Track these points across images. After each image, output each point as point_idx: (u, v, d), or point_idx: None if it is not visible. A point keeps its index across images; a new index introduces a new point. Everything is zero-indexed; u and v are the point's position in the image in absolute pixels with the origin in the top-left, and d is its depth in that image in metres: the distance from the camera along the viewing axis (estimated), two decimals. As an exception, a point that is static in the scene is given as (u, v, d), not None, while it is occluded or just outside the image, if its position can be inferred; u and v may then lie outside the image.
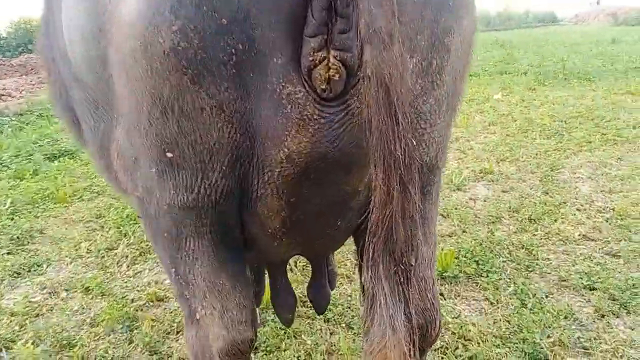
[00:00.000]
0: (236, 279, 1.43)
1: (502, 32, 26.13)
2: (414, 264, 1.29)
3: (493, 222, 3.91)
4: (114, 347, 2.63)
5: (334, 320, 2.82)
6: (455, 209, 4.18)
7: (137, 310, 2.98)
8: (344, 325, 2.78)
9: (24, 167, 5.75)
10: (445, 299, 2.94)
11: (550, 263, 3.30)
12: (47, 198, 4.85)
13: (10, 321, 2.90)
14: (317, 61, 1.07)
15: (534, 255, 3.39)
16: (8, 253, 3.80)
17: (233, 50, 1.07)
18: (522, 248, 3.49)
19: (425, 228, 1.44)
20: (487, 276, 3.14)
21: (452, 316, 2.79)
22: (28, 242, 4.00)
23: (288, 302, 2.20)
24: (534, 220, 3.90)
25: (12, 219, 4.40)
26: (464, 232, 3.78)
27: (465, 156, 5.61)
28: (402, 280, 1.29)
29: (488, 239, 3.60)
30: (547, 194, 4.40)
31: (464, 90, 1.51)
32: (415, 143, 1.25)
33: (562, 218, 3.90)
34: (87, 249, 3.82)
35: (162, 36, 1.05)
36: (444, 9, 1.21)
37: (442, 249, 3.45)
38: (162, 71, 1.08)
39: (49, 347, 2.62)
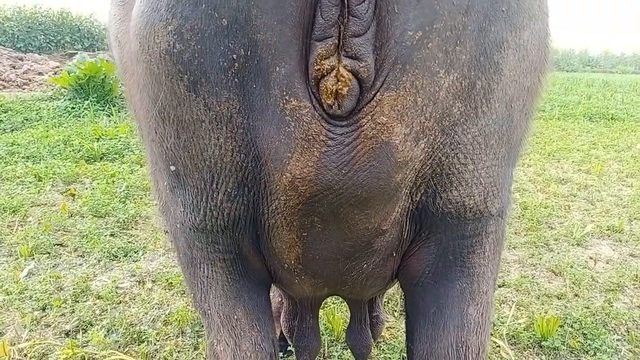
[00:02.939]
0: (255, 316, 1.28)
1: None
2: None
3: (613, 290, 3.39)
4: (179, 350, 2.60)
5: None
6: (570, 267, 3.69)
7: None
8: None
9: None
10: (539, 373, 2.56)
11: (679, 354, 2.76)
12: (158, 187, 5.09)
13: (94, 304, 3.01)
14: (324, 71, 0.88)
15: (659, 341, 2.86)
16: (111, 235, 4.01)
17: (234, 55, 0.92)
18: (645, 328, 2.97)
19: (473, 285, 1.22)
20: (595, 354, 2.69)
21: (544, 394, 2.42)
22: (131, 227, 4.20)
23: (311, 346, 2.00)
24: (666, 297, 3.32)
25: (124, 202, 4.66)
26: (575, 296, 3.32)
27: (593, 208, 5.02)
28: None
29: (603, 310, 3.11)
30: (688, 267, 3.75)
31: (530, 126, 1.22)
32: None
33: (702, 301, 3.28)
34: (181, 244, 3.91)
35: (158, 36, 0.94)
36: (494, 17, 0.96)
37: (546, 312, 3.05)
38: (159, 75, 0.97)
39: (119, 338, 2.67)
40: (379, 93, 0.91)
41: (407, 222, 1.15)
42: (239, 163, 1.03)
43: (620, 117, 10.55)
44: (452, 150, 1.03)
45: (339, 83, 0.88)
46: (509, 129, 1.09)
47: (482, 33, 0.95)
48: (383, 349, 2.67)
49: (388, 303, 3.18)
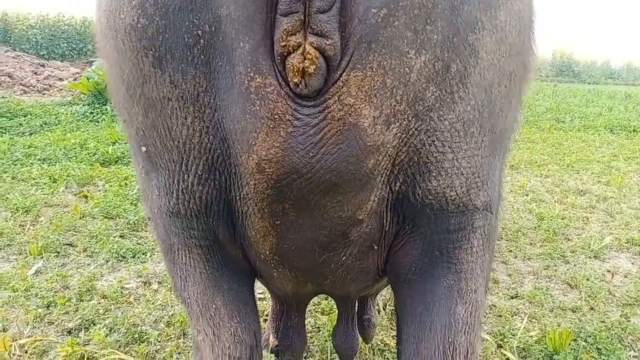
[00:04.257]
0: (235, 306, 1.24)
1: (684, 88, 23.25)
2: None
3: (630, 305, 3.27)
4: (179, 352, 2.56)
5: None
6: (587, 279, 3.58)
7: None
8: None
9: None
10: (549, 387, 2.47)
11: (699, 372, 2.64)
12: (169, 191, 5.09)
13: (99, 303, 2.99)
14: (290, 48, 0.86)
15: (678, 357, 2.74)
16: (121, 236, 4.01)
17: (199, 32, 0.90)
18: (664, 344, 2.85)
19: (461, 283, 1.16)
20: (610, 370, 2.59)
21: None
22: (141, 229, 4.19)
23: (293, 345, 1.95)
24: (686, 312, 3.19)
25: (135, 204, 4.66)
26: (591, 309, 3.20)
27: (612, 220, 4.88)
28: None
29: (620, 325, 3.00)
30: None
31: (517, 115, 1.16)
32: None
33: None
34: (189, 247, 3.89)
35: (123, 11, 0.93)
36: None
37: (559, 325, 2.94)
38: (125, 51, 0.96)
39: (121, 337, 2.64)
40: (345, 73, 0.88)
41: (388, 213, 1.11)
42: (208, 144, 1.01)
43: (641, 128, 10.33)
44: (429, 137, 0.99)
45: (306, 61, 0.86)
46: (491, 116, 1.04)
47: (454, 12, 0.91)
48: (387, 358, 2.60)
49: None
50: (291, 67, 0.87)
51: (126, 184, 5.22)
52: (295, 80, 0.87)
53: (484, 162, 1.07)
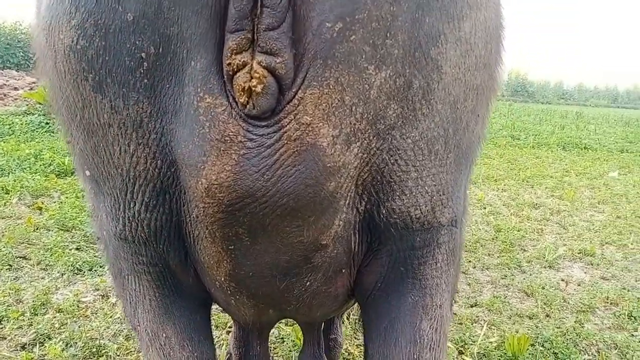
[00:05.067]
0: (187, 335, 1.17)
1: (630, 110, 24.43)
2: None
3: (584, 312, 3.39)
4: (139, 366, 2.50)
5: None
6: (542, 288, 3.69)
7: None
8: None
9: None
10: (509, 391, 2.52)
11: (648, 374, 2.75)
12: (129, 203, 4.98)
13: (54, 317, 2.89)
14: (235, 67, 0.81)
15: (629, 361, 2.84)
16: (77, 249, 3.89)
17: (142, 54, 0.85)
18: (615, 348, 2.95)
19: (426, 299, 1.12)
20: (566, 374, 2.67)
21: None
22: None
23: None
24: (635, 318, 3.32)
25: (93, 217, 4.54)
26: (547, 316, 3.30)
27: (565, 232, 5.06)
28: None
29: (574, 330, 3.10)
30: (657, 291, 3.77)
31: (484, 128, 1.12)
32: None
33: (671, 323, 3.29)
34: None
35: (62, 31, 0.88)
36: (428, 6, 0.86)
37: (517, 331, 3.02)
38: (64, 73, 0.91)
39: (78, 352, 2.55)
40: (300, 90, 0.83)
41: (356, 236, 1.06)
42: (155, 171, 0.95)
43: (593, 146, 10.78)
44: (391, 156, 0.95)
45: (253, 80, 0.81)
46: (457, 132, 1.00)
47: (415, 25, 0.86)
48: (352, 366, 2.60)
49: (359, 321, 3.11)
50: (237, 87, 0.82)
51: (83, 196, 5.08)
52: (242, 100, 0.83)
53: (449, 179, 1.04)
